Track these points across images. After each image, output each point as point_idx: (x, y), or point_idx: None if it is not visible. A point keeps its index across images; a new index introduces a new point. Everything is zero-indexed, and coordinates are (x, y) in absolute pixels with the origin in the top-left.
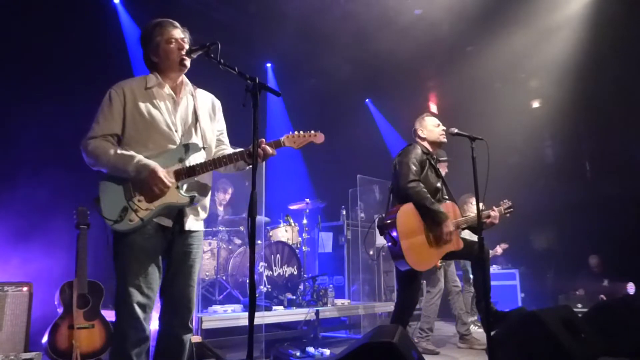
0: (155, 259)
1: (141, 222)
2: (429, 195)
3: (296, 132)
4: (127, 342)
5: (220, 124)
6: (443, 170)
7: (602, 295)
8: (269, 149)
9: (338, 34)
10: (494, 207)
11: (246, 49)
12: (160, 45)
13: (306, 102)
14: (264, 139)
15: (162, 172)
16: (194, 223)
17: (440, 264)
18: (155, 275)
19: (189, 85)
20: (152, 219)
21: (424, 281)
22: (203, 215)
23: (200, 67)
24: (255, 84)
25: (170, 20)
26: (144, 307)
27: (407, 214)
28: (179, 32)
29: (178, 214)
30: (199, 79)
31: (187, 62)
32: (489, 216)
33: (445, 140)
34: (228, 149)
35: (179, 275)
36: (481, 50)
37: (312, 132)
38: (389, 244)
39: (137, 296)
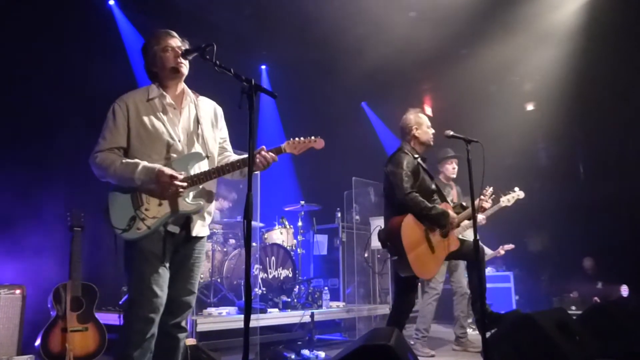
0: (165, 262)
1: (148, 231)
2: (427, 203)
3: (296, 139)
4: (130, 345)
5: (223, 131)
6: (454, 168)
7: (595, 298)
8: (270, 156)
9: (333, 37)
10: (482, 197)
11: (241, 52)
12: (157, 54)
13: (301, 105)
14: (264, 147)
15: (168, 170)
16: (200, 229)
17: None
18: (166, 277)
19: (190, 95)
20: (160, 227)
21: (423, 281)
22: (209, 219)
23: (193, 69)
24: (251, 86)
25: (167, 30)
26: (157, 310)
27: (410, 226)
28: (175, 41)
29: (185, 220)
30: (191, 82)
31: (184, 69)
32: (482, 206)
33: (432, 143)
34: (232, 156)
35: (178, 278)
36: (476, 53)
37: (312, 137)
38: (395, 257)
39: (150, 299)
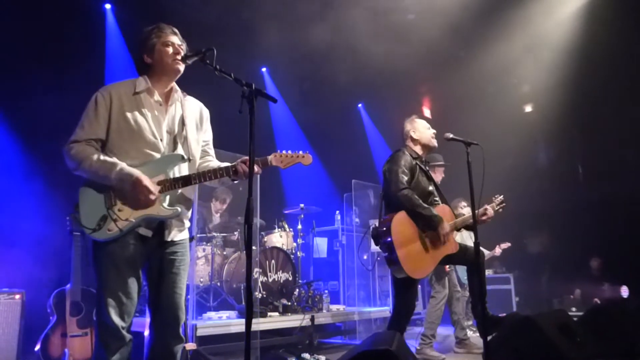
0: (135, 268)
1: (120, 233)
2: (421, 202)
3: (284, 152)
4: (107, 350)
5: (207, 134)
6: (439, 176)
7: (596, 299)
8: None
9: (332, 38)
10: (487, 205)
11: (241, 54)
12: (157, 46)
13: (301, 107)
14: (247, 158)
15: (146, 181)
16: (176, 234)
17: (449, 268)
18: (135, 284)
19: (178, 92)
20: (133, 230)
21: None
22: (187, 224)
23: (197, 70)
24: (251, 90)
25: (171, 26)
26: (123, 317)
27: (401, 222)
28: (177, 39)
29: (159, 225)
30: (194, 83)
31: (181, 68)
32: (484, 214)
33: (435, 144)
34: (213, 161)
35: (164, 285)
36: (474, 55)
37: (301, 152)
38: (385, 253)
39: (116, 307)
